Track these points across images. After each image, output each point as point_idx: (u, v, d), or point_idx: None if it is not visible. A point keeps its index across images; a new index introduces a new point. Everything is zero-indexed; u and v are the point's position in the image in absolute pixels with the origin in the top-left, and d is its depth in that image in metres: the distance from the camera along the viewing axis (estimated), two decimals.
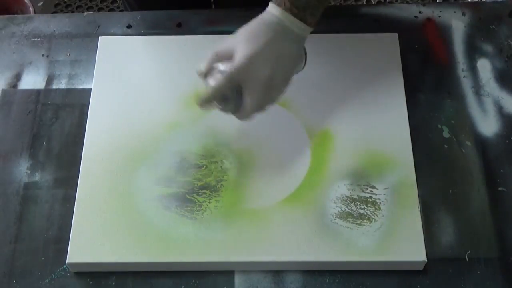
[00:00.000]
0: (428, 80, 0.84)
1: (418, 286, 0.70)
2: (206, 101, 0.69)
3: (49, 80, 0.86)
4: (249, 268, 0.71)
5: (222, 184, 0.74)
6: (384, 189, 0.74)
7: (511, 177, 0.77)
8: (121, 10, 1.73)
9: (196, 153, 0.72)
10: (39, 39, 0.89)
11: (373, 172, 0.75)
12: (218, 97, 0.69)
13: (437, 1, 1.56)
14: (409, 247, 0.70)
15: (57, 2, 1.81)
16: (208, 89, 0.69)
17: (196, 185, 0.74)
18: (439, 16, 0.90)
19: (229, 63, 0.67)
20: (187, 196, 0.74)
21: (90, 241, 0.70)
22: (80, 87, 0.85)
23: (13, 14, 1.44)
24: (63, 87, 0.85)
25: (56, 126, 0.81)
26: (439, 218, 0.74)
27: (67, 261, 0.70)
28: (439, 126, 0.81)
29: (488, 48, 0.87)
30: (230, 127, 0.78)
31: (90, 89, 0.82)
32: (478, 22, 0.89)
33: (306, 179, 0.74)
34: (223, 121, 0.77)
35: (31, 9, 1.47)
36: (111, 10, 1.77)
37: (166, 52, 0.85)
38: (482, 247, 0.73)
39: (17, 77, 0.86)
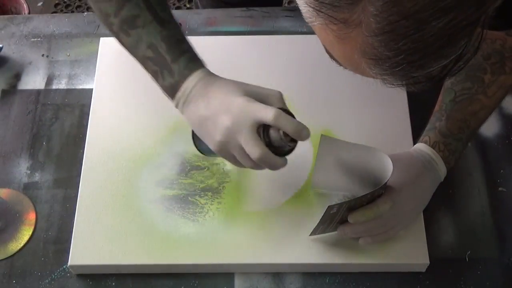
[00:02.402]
0: None
1: (418, 287, 0.70)
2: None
3: (49, 80, 0.85)
4: (251, 270, 0.71)
5: (224, 186, 0.74)
6: None
7: (511, 177, 0.77)
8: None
9: (198, 154, 0.72)
10: (39, 39, 0.89)
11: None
12: None
13: None
14: (411, 249, 0.70)
15: (57, 2, 1.81)
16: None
17: (198, 187, 0.74)
18: None
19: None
20: (189, 198, 0.73)
21: (91, 243, 0.70)
22: (80, 87, 0.85)
23: (8, 12, 1.43)
24: (63, 87, 0.85)
25: (56, 126, 0.81)
26: (439, 219, 0.74)
27: (69, 263, 0.69)
28: None
29: None
30: None
31: (90, 89, 0.82)
32: None
33: (308, 181, 0.74)
34: None
35: (25, 6, 1.46)
36: None
37: None
38: (482, 247, 0.73)
39: (17, 77, 0.86)
